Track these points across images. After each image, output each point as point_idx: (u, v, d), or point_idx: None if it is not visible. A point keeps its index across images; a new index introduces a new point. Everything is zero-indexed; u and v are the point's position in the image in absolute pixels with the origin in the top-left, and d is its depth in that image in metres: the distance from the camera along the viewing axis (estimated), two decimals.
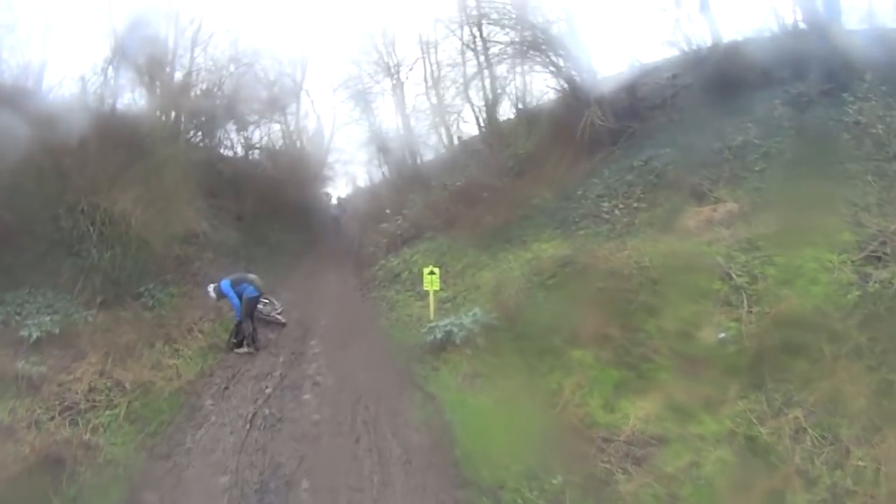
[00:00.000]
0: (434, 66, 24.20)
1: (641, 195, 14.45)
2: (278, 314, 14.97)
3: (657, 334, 9.85)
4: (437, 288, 12.61)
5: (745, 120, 14.62)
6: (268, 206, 24.40)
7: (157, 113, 20.88)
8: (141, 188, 16.37)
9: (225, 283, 12.57)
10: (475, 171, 20.12)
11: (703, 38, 18.16)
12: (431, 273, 12.70)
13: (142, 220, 15.79)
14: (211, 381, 11.08)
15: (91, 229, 14.71)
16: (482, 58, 22.65)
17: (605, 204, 14.80)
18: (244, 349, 12.45)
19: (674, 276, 10.93)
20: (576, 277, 11.76)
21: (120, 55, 19.27)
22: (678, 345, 9.53)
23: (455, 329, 10.91)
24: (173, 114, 21.77)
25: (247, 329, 12.51)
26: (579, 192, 15.80)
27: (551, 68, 20.02)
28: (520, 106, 21.98)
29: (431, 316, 12.32)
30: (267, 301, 15.34)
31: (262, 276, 19.50)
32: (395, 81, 25.54)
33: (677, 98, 17.76)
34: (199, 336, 13.22)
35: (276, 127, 28.50)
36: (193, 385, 10.88)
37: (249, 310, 12.61)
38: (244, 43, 23.64)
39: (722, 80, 16.21)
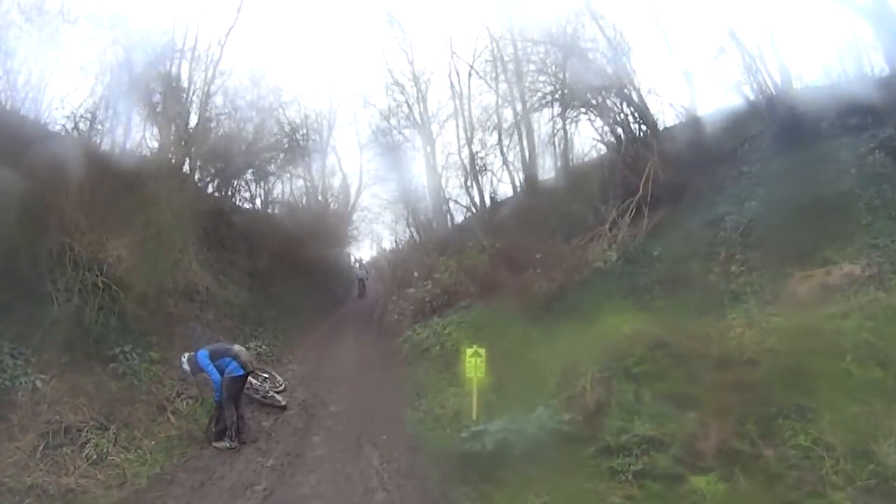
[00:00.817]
0: (467, 121, 21.51)
1: (735, 257, 11.11)
2: (278, 392, 11.60)
3: (817, 451, 6.45)
4: (483, 375, 9.04)
5: (832, 169, 11.93)
6: (284, 263, 21.53)
7: (168, 155, 17.92)
8: (136, 234, 13.66)
9: (202, 355, 9.30)
10: (516, 231, 16.95)
11: (770, 83, 15.08)
12: (476, 355, 9.13)
13: (131, 269, 12.79)
14: (167, 492, 7.62)
15: (65, 274, 11.65)
16: (519, 109, 19.91)
17: (689, 268, 11.48)
18: (225, 443, 9.07)
19: (814, 361, 7.63)
20: (675, 365, 8.31)
21: (131, 89, 16.76)
22: (853, 467, 6.21)
23: (512, 436, 7.43)
24: (185, 157, 18.93)
25: (229, 417, 9.13)
26: (650, 253, 12.51)
27: (606, 117, 17.15)
28: (566, 160, 18.96)
29: (474, 413, 8.79)
30: (266, 376, 12.03)
31: (271, 341, 16.62)
32: (426, 137, 22.88)
33: (746, 148, 15.03)
34: (171, 420, 9.89)
35: (300, 182, 25.96)
36: (139, 498, 7.44)
37: (233, 393, 9.25)
38: (267, 87, 21.43)
39: (795, 127, 13.57)
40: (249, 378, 11.33)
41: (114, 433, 9.01)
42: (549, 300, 12.65)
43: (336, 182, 27.30)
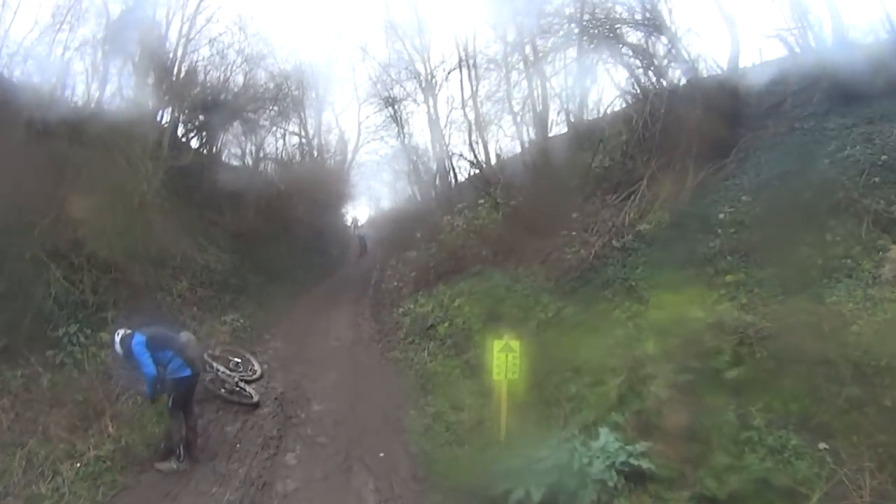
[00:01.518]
0: (472, 72, 19.21)
1: (828, 224, 8.53)
2: (251, 381, 9.11)
3: None
4: (516, 376, 6.47)
5: None
6: (274, 224, 19.00)
7: (145, 107, 15.37)
8: (102, 192, 11.40)
9: (138, 341, 6.69)
10: (532, 189, 14.28)
11: (820, 33, 12.69)
12: (507, 350, 6.35)
13: (94, 233, 10.47)
14: None
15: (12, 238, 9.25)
16: (530, 53, 17.08)
17: (763, 235, 8.92)
18: (170, 464, 6.61)
19: None
20: (782, 369, 5.78)
21: (107, 37, 14.42)
22: None
23: (568, 479, 4.92)
24: (164, 109, 16.28)
25: (176, 431, 6.65)
26: (708, 216, 9.93)
27: (639, 58, 14.27)
28: (582, 112, 16.19)
29: (503, 432, 6.24)
30: (238, 360, 9.54)
31: (253, 312, 14.13)
32: (427, 90, 20.32)
33: (792, 103, 12.60)
34: (108, 429, 7.39)
35: (294, 139, 23.07)
36: None
37: (180, 399, 6.73)
38: (257, 34, 18.65)
39: (850, 82, 11.10)
40: (218, 366, 8.92)
41: (26, 454, 6.57)
42: (585, 270, 10.07)
43: (333, 139, 24.52)
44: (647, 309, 7.97)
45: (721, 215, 9.55)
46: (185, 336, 6.94)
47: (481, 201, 13.92)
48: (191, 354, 6.68)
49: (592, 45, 14.87)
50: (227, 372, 8.97)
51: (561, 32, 15.70)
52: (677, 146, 12.28)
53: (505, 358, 6.32)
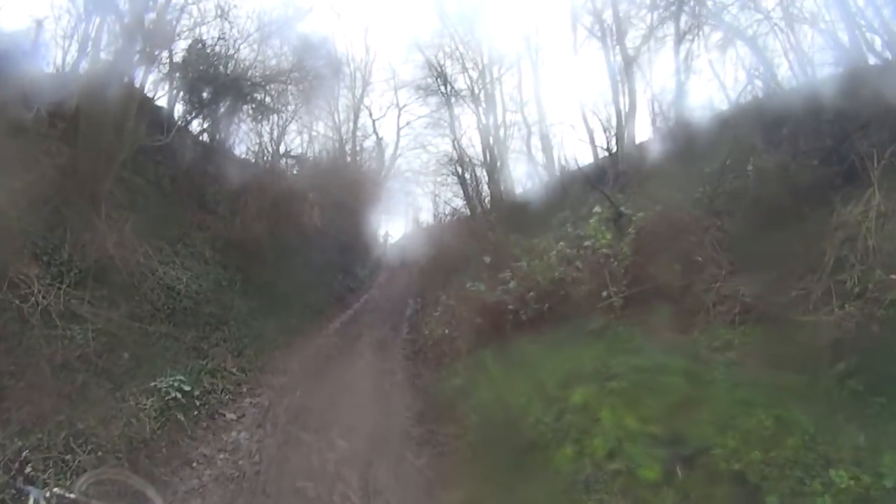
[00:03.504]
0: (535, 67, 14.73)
1: None
2: None
3: None
4: None
5: None
6: (283, 232, 13.39)
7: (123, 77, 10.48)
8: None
9: None
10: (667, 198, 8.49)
11: None
12: None
13: None
14: None
15: None
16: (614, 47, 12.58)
17: None
18: None
19: None
20: None
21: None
22: None
23: None
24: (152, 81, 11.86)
25: None
26: None
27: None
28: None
29: None
30: None
31: (221, 365, 8.75)
32: (480, 89, 15.46)
33: None
34: None
35: (323, 140, 18.04)
36: None
37: None
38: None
39: None
40: None
41: None
42: (867, 350, 4.34)
43: (369, 144, 19.56)
44: None
45: None
46: None
47: (597, 209, 8.20)
48: None
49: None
50: None
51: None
52: None
53: None
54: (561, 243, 8.42)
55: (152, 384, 6.93)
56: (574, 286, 7.37)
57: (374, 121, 18.34)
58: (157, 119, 11.53)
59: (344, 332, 11.60)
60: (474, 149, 15.66)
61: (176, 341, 8.54)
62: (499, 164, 15.18)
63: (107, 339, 7.35)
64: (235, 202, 12.58)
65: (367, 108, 18.20)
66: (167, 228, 10.46)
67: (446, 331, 8.90)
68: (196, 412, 6.78)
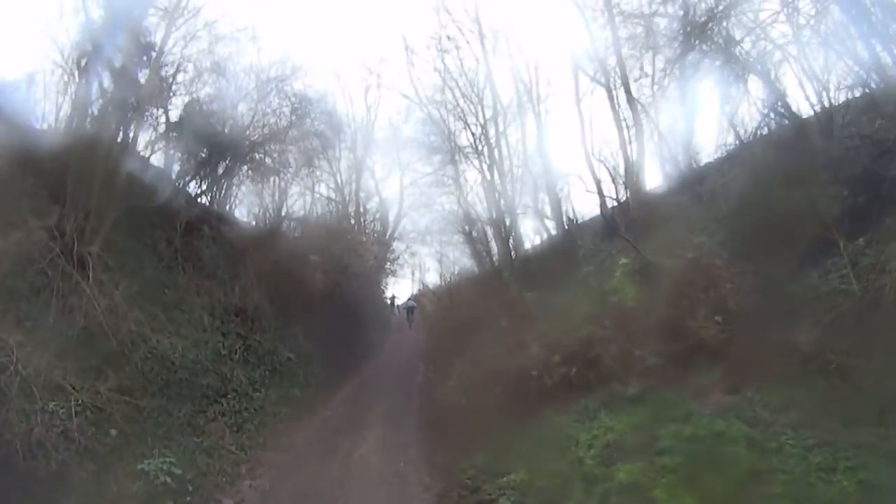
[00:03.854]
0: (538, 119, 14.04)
1: None
2: None
3: None
4: None
5: None
6: (288, 298, 12.69)
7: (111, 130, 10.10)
8: None
9: None
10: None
11: None
12: None
13: None
14: None
15: None
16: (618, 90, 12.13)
17: None
18: None
19: None
20: None
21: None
22: None
23: None
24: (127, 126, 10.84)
25: None
26: None
27: None
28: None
29: None
30: None
31: (216, 445, 7.91)
32: (483, 144, 14.92)
33: None
34: None
35: (325, 202, 17.61)
36: None
37: None
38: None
39: None
40: None
41: None
42: None
43: (372, 206, 19.11)
44: None
45: None
46: None
47: (623, 261, 7.60)
48: None
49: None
50: None
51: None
52: None
53: None
54: (583, 300, 7.79)
55: (140, 466, 6.16)
56: (603, 346, 6.68)
57: (376, 181, 18.06)
58: (151, 180, 11.18)
59: (352, 401, 10.78)
60: (481, 205, 15.28)
61: (169, 416, 7.80)
62: (507, 219, 14.69)
63: (92, 414, 6.66)
64: (235, 266, 12.04)
65: (369, 168, 17.95)
66: (162, 294, 9.88)
67: (463, 400, 8.12)
68: (188, 498, 5.96)
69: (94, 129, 9.52)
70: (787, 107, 8.90)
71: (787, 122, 8.65)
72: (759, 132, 9.31)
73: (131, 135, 10.63)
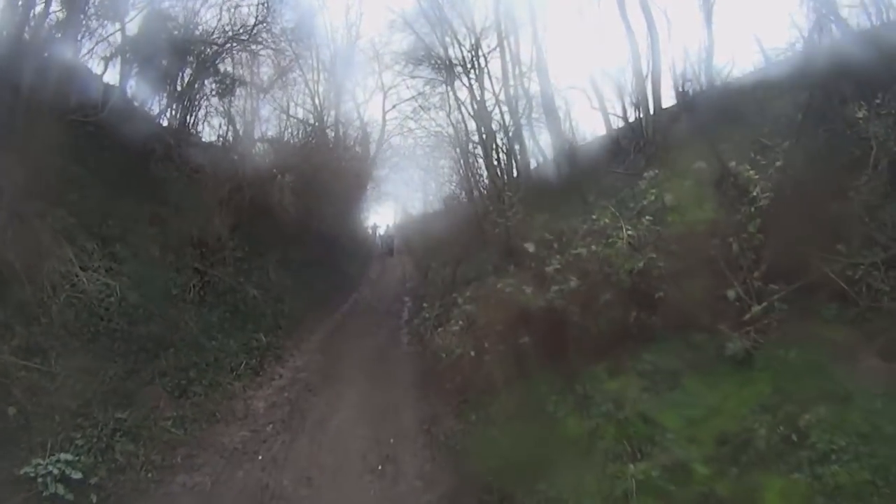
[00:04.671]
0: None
1: None
2: None
3: None
4: None
5: None
6: (259, 228, 10.44)
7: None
8: None
9: None
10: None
11: None
12: None
13: None
14: None
15: None
16: None
17: None
18: None
19: None
20: None
21: None
22: None
23: None
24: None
25: None
26: None
27: None
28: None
29: None
30: None
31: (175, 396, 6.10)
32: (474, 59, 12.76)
33: None
34: None
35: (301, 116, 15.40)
36: None
37: None
38: None
39: None
40: None
41: None
42: None
43: (353, 132, 17.11)
44: None
45: None
46: None
47: (700, 164, 5.46)
48: None
49: None
50: None
51: None
52: None
53: None
54: (618, 225, 5.77)
55: (24, 470, 4.17)
56: (673, 282, 4.72)
57: (357, 105, 15.84)
58: (99, 95, 9.00)
59: (329, 347, 8.82)
60: (471, 124, 13.20)
61: (91, 382, 5.82)
62: (503, 137, 12.63)
63: None
64: (196, 192, 9.94)
65: (349, 91, 15.81)
66: (104, 225, 7.78)
67: (470, 352, 6.20)
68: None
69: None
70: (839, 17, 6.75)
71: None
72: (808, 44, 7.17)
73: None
